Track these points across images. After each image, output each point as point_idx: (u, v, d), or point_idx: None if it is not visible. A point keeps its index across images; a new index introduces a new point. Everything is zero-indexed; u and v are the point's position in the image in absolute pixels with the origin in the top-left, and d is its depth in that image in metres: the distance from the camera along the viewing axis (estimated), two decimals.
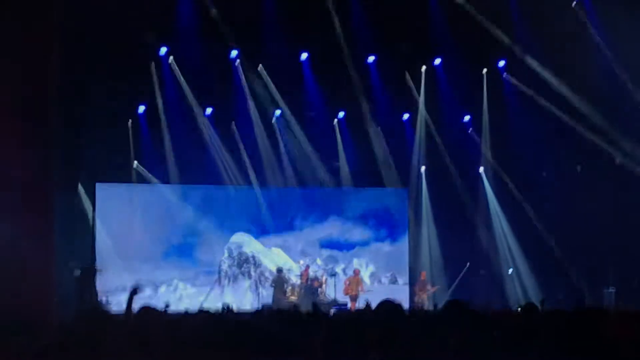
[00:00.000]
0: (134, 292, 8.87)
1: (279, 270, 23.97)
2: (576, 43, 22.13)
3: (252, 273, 25.00)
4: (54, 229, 12.69)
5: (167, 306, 8.90)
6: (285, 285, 23.77)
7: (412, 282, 25.44)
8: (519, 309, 7.42)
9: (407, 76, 24.81)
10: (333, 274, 24.81)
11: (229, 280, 24.59)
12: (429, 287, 24.53)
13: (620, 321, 6.88)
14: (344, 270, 25.59)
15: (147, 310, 7.76)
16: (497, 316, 8.01)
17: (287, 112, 24.69)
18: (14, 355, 5.25)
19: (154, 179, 24.13)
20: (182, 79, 23.39)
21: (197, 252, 24.61)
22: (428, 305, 23.44)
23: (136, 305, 8.33)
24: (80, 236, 22.44)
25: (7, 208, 11.41)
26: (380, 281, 25.73)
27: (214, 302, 22.99)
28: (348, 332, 6.27)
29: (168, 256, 24.32)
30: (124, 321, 8.26)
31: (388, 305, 6.44)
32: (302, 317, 8.22)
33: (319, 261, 25.56)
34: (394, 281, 25.85)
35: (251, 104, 24.18)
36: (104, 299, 21.59)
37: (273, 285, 23.79)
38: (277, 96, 24.12)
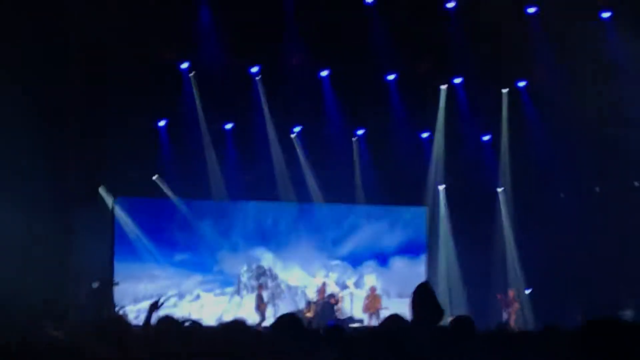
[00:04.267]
0: (155, 306, 8.85)
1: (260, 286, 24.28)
2: (599, 63, 22.11)
3: (269, 284, 25.16)
4: (72, 241, 12.75)
5: (185, 320, 8.87)
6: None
7: None
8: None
9: (427, 95, 24.79)
10: (347, 287, 24.98)
11: (247, 292, 24.69)
12: (516, 305, 24.37)
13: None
14: (355, 285, 25.63)
15: (165, 321, 7.77)
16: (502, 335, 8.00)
17: (307, 129, 24.75)
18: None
19: (173, 193, 24.30)
20: (200, 94, 23.51)
21: (217, 264, 24.91)
22: (517, 323, 23.29)
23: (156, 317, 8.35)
24: (100, 249, 22.51)
25: (25, 219, 11.48)
26: (400, 297, 25.66)
27: (233, 312, 23.36)
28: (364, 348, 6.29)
29: (189, 268, 24.66)
30: (141, 333, 8.29)
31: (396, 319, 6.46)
32: (318, 333, 8.23)
33: (332, 276, 25.57)
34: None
35: (270, 120, 24.27)
36: (121, 311, 21.71)
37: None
38: (297, 112, 24.17)
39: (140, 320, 8.82)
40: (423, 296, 6.55)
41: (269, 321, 21.46)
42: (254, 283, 25.00)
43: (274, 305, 24.77)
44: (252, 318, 23.01)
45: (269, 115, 24.20)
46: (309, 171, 25.11)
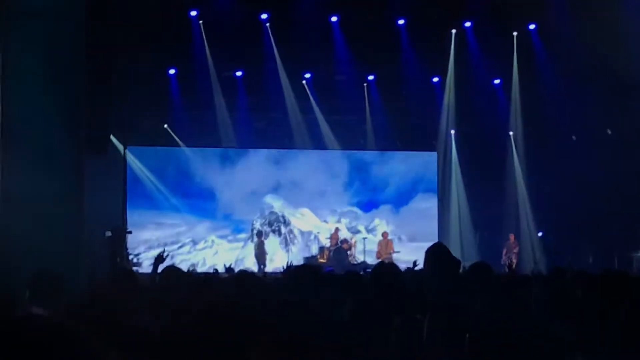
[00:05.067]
0: (160, 259, 8.94)
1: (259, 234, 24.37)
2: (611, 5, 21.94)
3: (283, 230, 25.32)
4: (84, 190, 12.80)
5: (192, 268, 9.00)
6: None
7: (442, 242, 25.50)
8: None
9: (437, 39, 24.65)
10: (359, 232, 25.20)
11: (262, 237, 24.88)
12: (515, 249, 24.33)
13: None
14: (367, 230, 25.78)
15: (171, 271, 7.88)
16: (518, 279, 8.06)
17: (317, 75, 24.72)
18: (45, 313, 5.37)
19: (184, 142, 24.42)
20: (211, 42, 23.46)
21: (231, 211, 25.14)
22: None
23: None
24: (112, 198, 22.61)
25: (36, 168, 11.52)
26: (412, 242, 25.74)
27: (250, 258, 23.53)
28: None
29: (202, 215, 24.87)
30: (149, 283, 8.41)
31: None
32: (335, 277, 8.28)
33: (344, 222, 25.70)
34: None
35: (281, 67, 24.22)
36: (134, 259, 21.89)
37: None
38: (307, 59, 24.10)
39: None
40: (437, 255, 6.57)
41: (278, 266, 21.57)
42: (267, 229, 25.16)
43: (287, 250, 24.93)
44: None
45: (280, 62, 24.14)
46: (322, 117, 25.13)
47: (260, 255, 23.84)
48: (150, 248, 23.59)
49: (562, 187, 24.27)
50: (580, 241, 24.06)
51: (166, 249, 9.84)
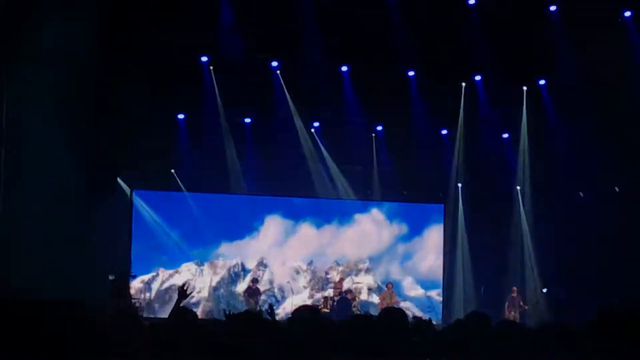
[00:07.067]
0: (184, 293, 8.47)
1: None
2: (620, 62, 22.02)
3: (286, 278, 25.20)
4: (90, 233, 12.79)
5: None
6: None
7: (447, 296, 25.44)
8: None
9: (447, 92, 24.70)
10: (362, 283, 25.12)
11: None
12: (521, 303, 24.03)
13: None
14: (372, 281, 25.69)
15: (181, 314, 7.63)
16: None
17: (325, 124, 24.78)
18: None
19: (190, 188, 24.38)
20: (220, 89, 23.56)
21: (234, 258, 24.97)
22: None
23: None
24: (117, 242, 22.59)
25: (44, 208, 11.53)
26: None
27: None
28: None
29: (205, 261, 24.70)
30: (165, 324, 7.95)
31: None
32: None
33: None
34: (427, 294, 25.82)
35: (290, 115, 24.29)
36: (137, 303, 21.79)
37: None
38: (316, 108, 24.19)
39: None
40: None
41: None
42: (269, 277, 25.07)
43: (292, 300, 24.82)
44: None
45: (294, 109, 24.22)
46: (333, 165, 25.16)
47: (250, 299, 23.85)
48: (152, 292, 23.55)
49: (568, 245, 24.12)
50: (585, 299, 23.88)
51: (188, 282, 9.46)
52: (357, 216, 25.85)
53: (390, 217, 26.00)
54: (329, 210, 25.69)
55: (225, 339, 6.41)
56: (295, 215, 25.38)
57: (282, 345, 6.09)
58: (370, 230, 25.92)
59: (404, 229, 26.07)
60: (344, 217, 25.69)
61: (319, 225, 25.51)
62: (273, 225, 25.26)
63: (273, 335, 6.45)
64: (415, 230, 26.09)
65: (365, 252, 25.83)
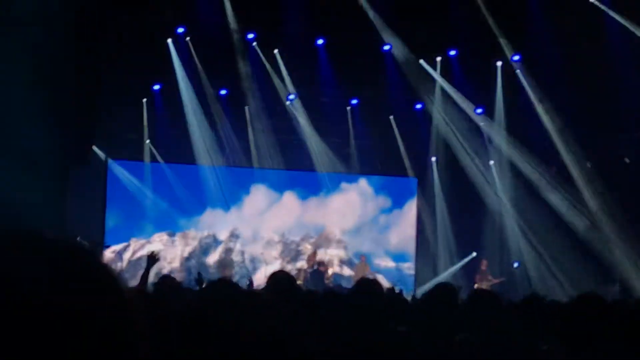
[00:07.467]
0: (153, 258, 8.37)
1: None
2: (594, 37, 22.13)
3: (257, 250, 25.34)
4: (64, 201, 12.78)
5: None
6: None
7: (418, 267, 25.61)
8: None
9: (422, 64, 24.74)
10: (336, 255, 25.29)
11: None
12: (490, 277, 23.99)
13: None
14: (345, 253, 25.82)
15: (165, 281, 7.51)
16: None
17: (301, 97, 24.77)
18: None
19: (163, 159, 24.32)
20: (197, 59, 23.48)
21: (206, 228, 25.04)
22: None
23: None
24: (91, 211, 22.56)
25: (22, 176, 11.50)
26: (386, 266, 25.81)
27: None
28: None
29: (178, 230, 24.74)
30: (137, 292, 7.97)
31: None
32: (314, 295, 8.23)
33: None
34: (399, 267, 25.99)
35: (266, 87, 24.27)
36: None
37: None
38: (292, 80, 24.18)
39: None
40: None
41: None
42: (241, 248, 25.14)
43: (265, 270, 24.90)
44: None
45: (266, 83, 24.18)
46: (301, 139, 25.14)
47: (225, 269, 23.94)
48: (125, 263, 23.59)
49: (543, 219, 24.30)
50: (558, 273, 24.08)
51: (155, 250, 9.36)
52: (334, 189, 25.94)
53: (365, 191, 26.09)
54: (307, 183, 25.74)
55: (204, 306, 6.41)
56: (277, 187, 25.45)
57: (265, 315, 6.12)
58: (345, 203, 26.02)
59: (381, 202, 26.18)
60: (319, 190, 25.78)
61: (298, 198, 25.60)
62: (251, 198, 25.34)
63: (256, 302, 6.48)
64: (391, 204, 26.21)
65: (339, 225, 25.93)
